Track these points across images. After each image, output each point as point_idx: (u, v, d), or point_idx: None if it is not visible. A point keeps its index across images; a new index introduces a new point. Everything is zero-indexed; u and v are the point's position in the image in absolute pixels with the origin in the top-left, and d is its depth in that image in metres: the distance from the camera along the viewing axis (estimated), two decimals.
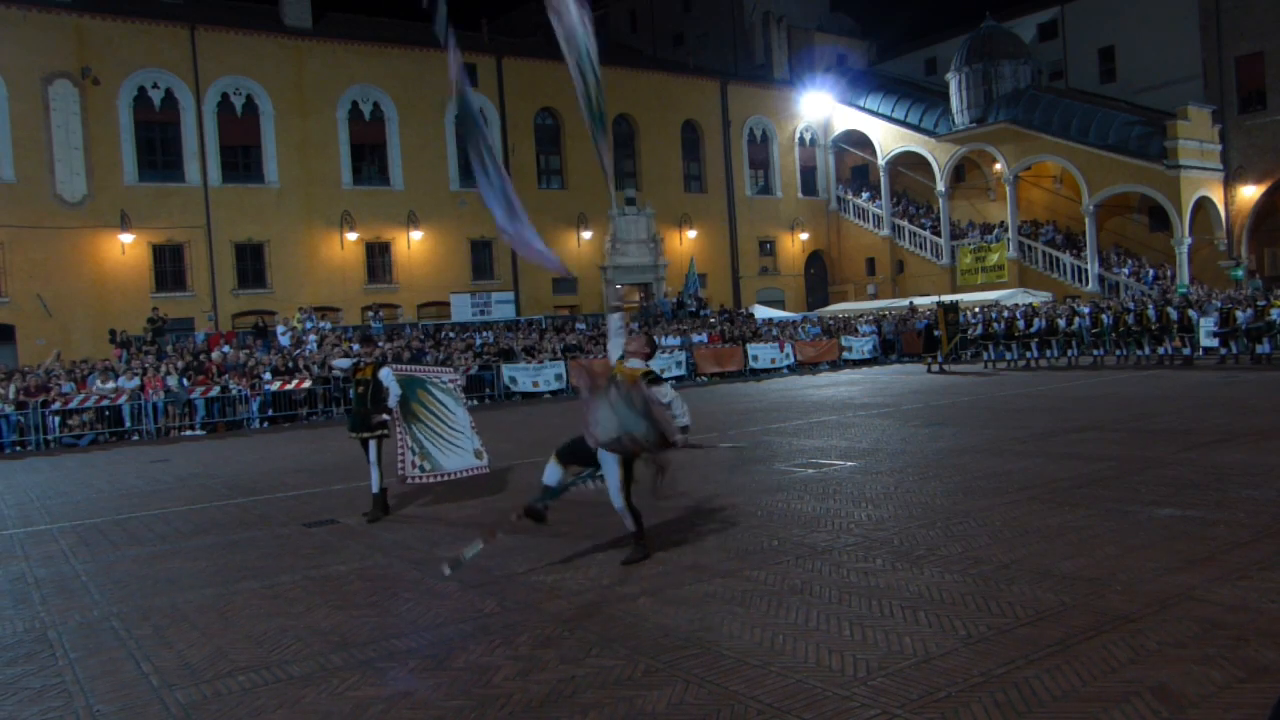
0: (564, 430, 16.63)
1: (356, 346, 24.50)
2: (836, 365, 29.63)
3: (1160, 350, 22.92)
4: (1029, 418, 13.56)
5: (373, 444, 8.97)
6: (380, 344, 25.11)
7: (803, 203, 42.04)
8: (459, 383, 9.98)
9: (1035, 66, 37.60)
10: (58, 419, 19.58)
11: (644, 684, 4.30)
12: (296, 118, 30.31)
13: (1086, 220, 34.23)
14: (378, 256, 32.01)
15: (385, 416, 9.04)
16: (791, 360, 29.00)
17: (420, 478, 9.71)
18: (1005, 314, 27.27)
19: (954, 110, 38.09)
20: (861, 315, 34.81)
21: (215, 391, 21.11)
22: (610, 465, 6.48)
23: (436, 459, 9.56)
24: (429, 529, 8.33)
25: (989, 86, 36.91)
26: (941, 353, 25.68)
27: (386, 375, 9.10)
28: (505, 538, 7.73)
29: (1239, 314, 21.82)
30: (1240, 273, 32.34)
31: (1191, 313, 22.89)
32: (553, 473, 6.82)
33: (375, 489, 8.95)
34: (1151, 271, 33.65)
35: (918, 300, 34.61)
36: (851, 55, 45.67)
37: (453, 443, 9.57)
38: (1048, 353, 25.06)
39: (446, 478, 9.65)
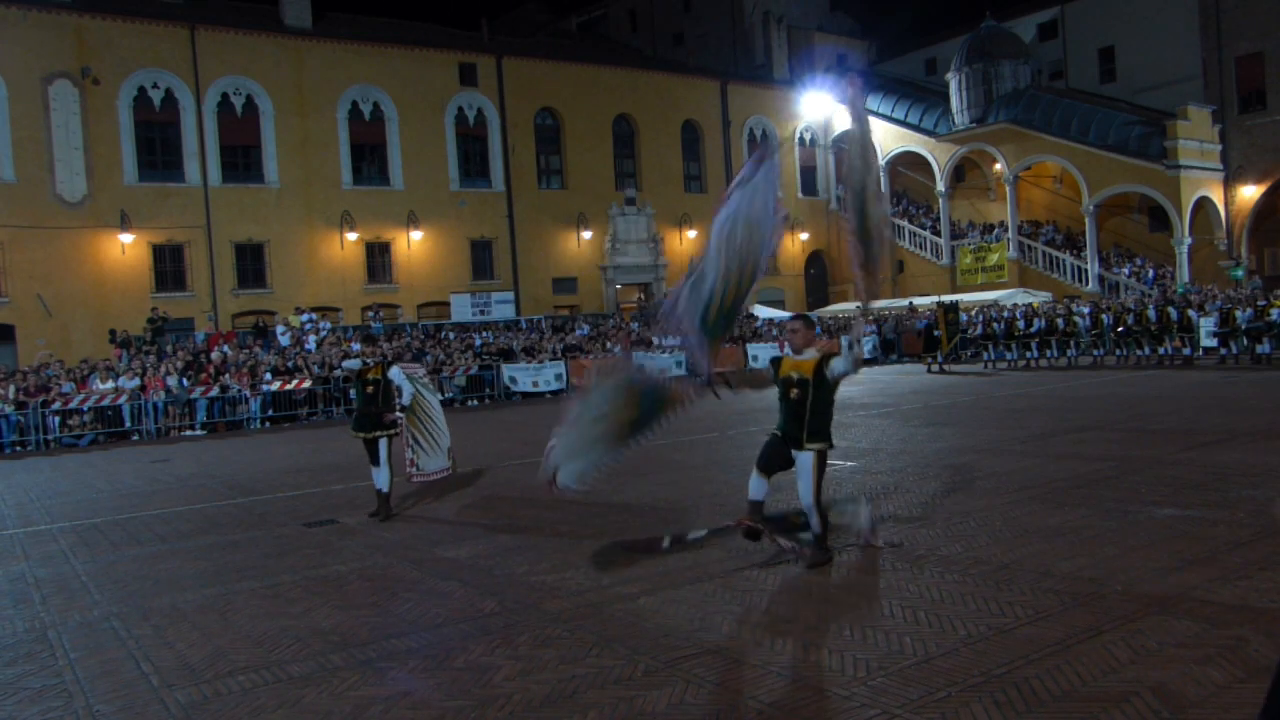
0: None
1: (357, 346, 24.54)
2: None
3: (1160, 350, 22.91)
4: (1029, 418, 13.55)
5: (383, 443, 8.96)
6: (381, 344, 25.13)
7: (803, 203, 42.01)
8: (422, 374, 10.03)
9: (1035, 66, 37.56)
10: (58, 419, 19.58)
11: (644, 684, 4.30)
12: (296, 118, 30.29)
13: (1086, 220, 34.20)
14: (378, 256, 31.98)
15: (398, 415, 9.08)
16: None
17: (415, 476, 9.72)
18: (1005, 314, 27.26)
19: (954, 110, 38.06)
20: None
21: (215, 391, 21.12)
22: (805, 463, 6.14)
23: (423, 459, 9.60)
24: (429, 529, 8.33)
25: (989, 86, 36.87)
26: (941, 353, 25.66)
27: (397, 374, 9.17)
28: (506, 538, 7.74)
29: (1239, 314, 21.81)
30: (1240, 273, 32.32)
31: (1191, 313, 22.89)
32: (758, 486, 6.33)
33: (385, 488, 8.94)
34: (1151, 271, 33.65)
35: (918, 300, 34.58)
36: (851, 55, 45.64)
37: (436, 441, 9.61)
38: (1048, 353, 25.04)
39: (427, 479, 9.67)
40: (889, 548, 6.42)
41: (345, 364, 9.69)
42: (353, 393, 9.80)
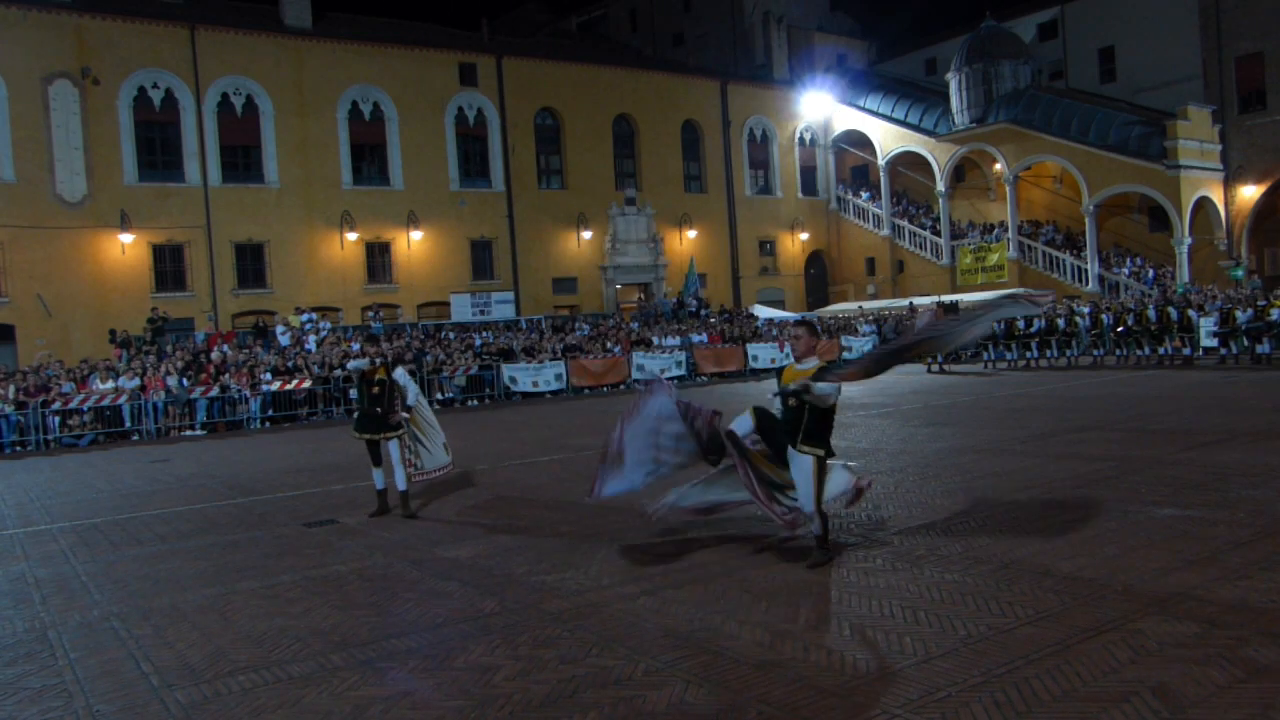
0: (565, 430, 16.59)
1: (356, 346, 24.54)
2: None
3: (1160, 350, 22.92)
4: (1029, 418, 13.55)
5: (394, 444, 8.98)
6: (381, 345, 25.10)
7: (803, 203, 42.02)
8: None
9: (1035, 66, 37.57)
10: (58, 419, 19.59)
11: (644, 684, 4.30)
12: (296, 118, 30.30)
13: (1086, 220, 34.21)
14: (378, 256, 31.99)
15: (406, 415, 9.08)
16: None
17: (415, 476, 9.65)
18: None
19: (954, 110, 38.06)
20: (861, 314, 34.78)
21: (215, 391, 21.12)
22: (805, 467, 6.06)
23: (424, 457, 9.54)
24: (429, 529, 8.33)
25: (989, 86, 36.87)
26: (941, 353, 25.65)
27: (401, 375, 9.15)
28: (506, 538, 7.74)
29: (1239, 314, 21.81)
30: (1240, 273, 32.33)
31: (1191, 313, 22.89)
32: (744, 422, 6.41)
33: (403, 486, 8.97)
34: (1151, 271, 33.65)
35: (918, 300, 34.58)
36: (851, 55, 45.65)
37: (433, 439, 9.55)
38: (1048, 353, 25.05)
39: (427, 477, 9.59)
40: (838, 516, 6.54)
41: (351, 364, 9.53)
42: (353, 393, 9.80)
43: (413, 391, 9.15)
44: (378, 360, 9.28)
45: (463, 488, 10.38)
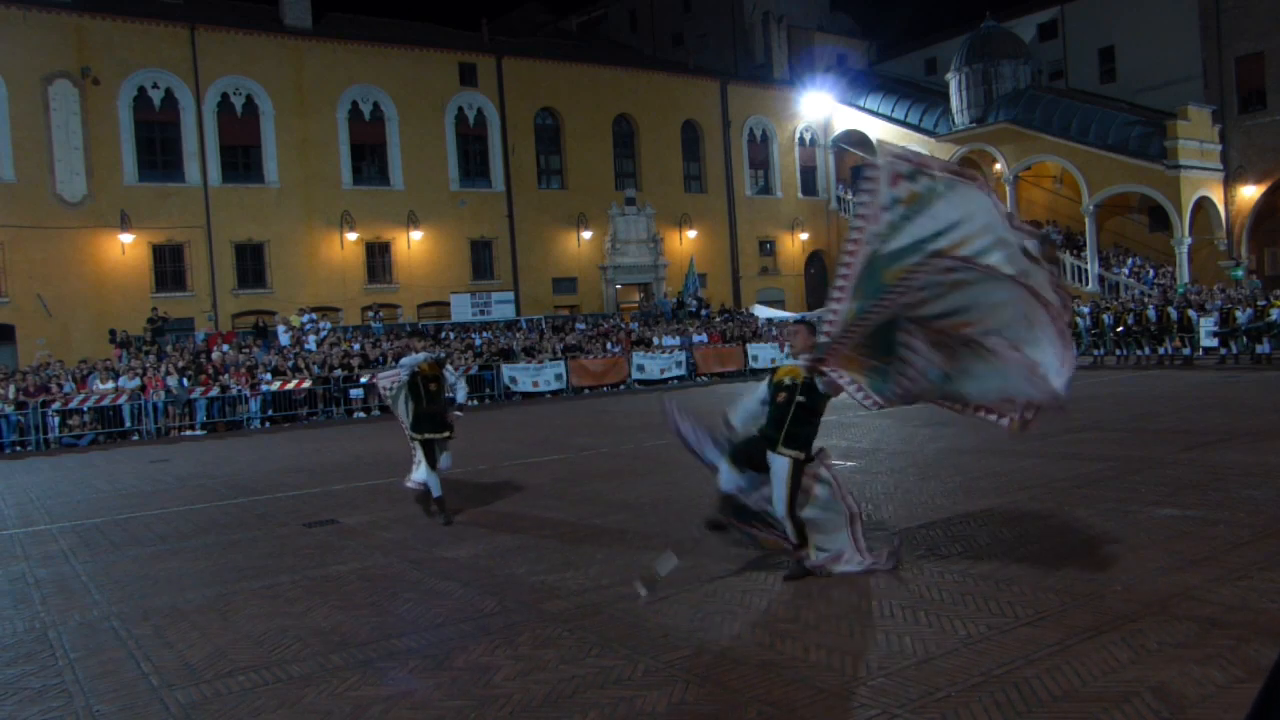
0: (565, 430, 16.58)
1: (358, 347, 24.54)
2: None
3: (1160, 350, 22.91)
4: None
5: (439, 445, 8.67)
6: (381, 345, 25.12)
7: (803, 203, 42.01)
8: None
9: (1035, 66, 37.55)
10: (58, 419, 19.59)
11: (644, 684, 4.30)
12: (296, 118, 30.29)
13: (1086, 220, 34.20)
14: (378, 256, 31.99)
15: (460, 414, 8.88)
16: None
17: (409, 481, 9.52)
18: None
19: (954, 110, 38.05)
20: None
21: (215, 391, 21.12)
22: (780, 470, 5.93)
23: (414, 470, 9.41)
24: (429, 529, 8.34)
25: (989, 86, 36.86)
26: None
27: (451, 373, 8.94)
28: (506, 538, 7.74)
29: (1239, 314, 21.81)
30: (1240, 273, 32.32)
31: (1191, 313, 22.89)
32: (729, 478, 6.09)
33: (438, 491, 8.63)
34: (1151, 271, 33.65)
35: None
36: (851, 55, 45.64)
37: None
38: None
39: (417, 487, 9.45)
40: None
41: (411, 358, 8.80)
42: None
43: (462, 390, 8.96)
44: (436, 355, 8.98)
45: (463, 488, 10.37)
